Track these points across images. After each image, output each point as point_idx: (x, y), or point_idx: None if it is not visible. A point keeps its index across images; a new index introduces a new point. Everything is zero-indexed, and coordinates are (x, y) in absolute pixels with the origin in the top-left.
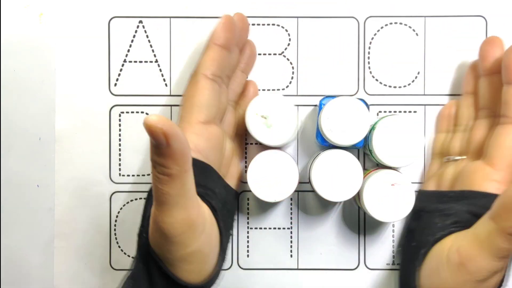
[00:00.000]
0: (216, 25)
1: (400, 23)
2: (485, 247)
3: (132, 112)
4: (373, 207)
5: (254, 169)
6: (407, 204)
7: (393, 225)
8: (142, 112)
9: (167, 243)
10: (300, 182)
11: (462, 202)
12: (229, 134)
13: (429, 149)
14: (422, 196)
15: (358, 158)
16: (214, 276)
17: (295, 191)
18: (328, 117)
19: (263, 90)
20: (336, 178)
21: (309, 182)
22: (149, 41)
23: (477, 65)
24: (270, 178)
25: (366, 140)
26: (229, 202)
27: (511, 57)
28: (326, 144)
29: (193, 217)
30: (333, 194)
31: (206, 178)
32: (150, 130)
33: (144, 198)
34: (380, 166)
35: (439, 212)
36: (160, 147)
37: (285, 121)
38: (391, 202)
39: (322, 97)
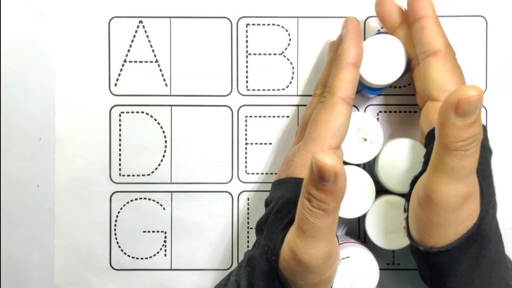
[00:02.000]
0: (344, 39)
1: None
2: (440, 172)
3: (132, 112)
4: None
5: None
6: None
7: None
8: (142, 112)
9: (304, 272)
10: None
11: (431, 142)
12: None
13: None
14: None
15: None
16: None
17: None
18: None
19: (263, 90)
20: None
21: None
22: (149, 41)
23: None
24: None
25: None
26: None
27: None
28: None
29: (333, 249)
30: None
31: None
32: (322, 168)
33: (145, 198)
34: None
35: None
36: (325, 184)
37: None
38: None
39: None
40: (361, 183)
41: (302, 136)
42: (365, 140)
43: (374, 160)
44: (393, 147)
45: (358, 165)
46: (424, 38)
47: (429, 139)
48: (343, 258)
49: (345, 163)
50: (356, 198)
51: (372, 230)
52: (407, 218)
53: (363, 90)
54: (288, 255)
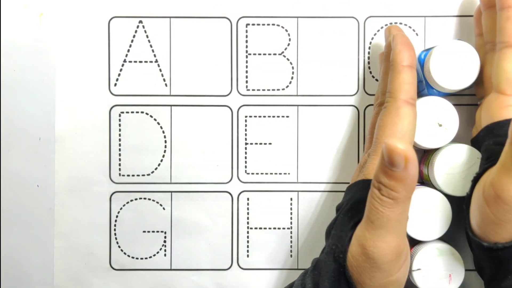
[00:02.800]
0: (394, 45)
1: (400, 23)
2: None
3: (132, 112)
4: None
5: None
6: None
7: None
8: (142, 112)
9: (372, 269)
10: (302, 182)
11: (489, 136)
12: None
13: None
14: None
15: None
16: None
17: (295, 191)
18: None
19: (263, 90)
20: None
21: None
22: (149, 41)
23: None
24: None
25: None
26: None
27: None
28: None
29: (403, 245)
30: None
31: None
32: (393, 152)
33: (145, 198)
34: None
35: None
36: (395, 170)
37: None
38: None
39: (322, 97)
40: (436, 204)
41: (370, 146)
42: (440, 125)
43: (428, 165)
44: (448, 152)
45: (427, 151)
46: (507, 28)
47: (486, 134)
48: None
49: (417, 147)
50: (431, 220)
51: (419, 275)
52: (468, 215)
53: (429, 91)
54: (356, 250)
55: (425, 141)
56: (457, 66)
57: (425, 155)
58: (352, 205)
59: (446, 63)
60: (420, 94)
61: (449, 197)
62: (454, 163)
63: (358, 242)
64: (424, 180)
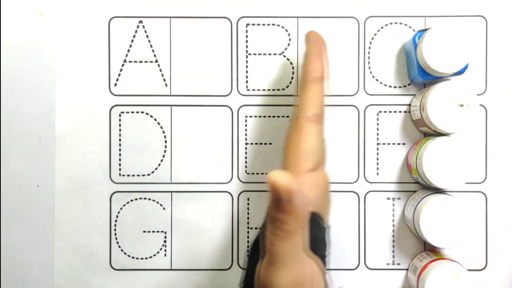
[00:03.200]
0: (307, 56)
1: (400, 23)
2: None
3: (132, 112)
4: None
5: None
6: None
7: (393, 225)
8: (142, 112)
9: None
10: None
11: None
12: None
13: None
14: None
15: None
16: None
17: None
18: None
19: (263, 90)
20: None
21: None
22: (149, 41)
23: None
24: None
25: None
26: (328, 239)
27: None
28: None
29: (302, 277)
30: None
31: (316, 229)
32: (274, 186)
33: (145, 198)
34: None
35: None
36: (281, 203)
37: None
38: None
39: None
40: (455, 211)
41: None
42: (461, 106)
43: (417, 159)
44: (436, 145)
45: (413, 145)
46: None
47: None
48: None
49: (442, 134)
50: (451, 228)
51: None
52: None
53: (419, 73)
54: (258, 286)
55: (450, 126)
56: (450, 50)
57: (412, 149)
58: (255, 239)
59: (440, 46)
60: (413, 81)
61: (445, 193)
62: (443, 156)
63: (258, 280)
64: (413, 175)
